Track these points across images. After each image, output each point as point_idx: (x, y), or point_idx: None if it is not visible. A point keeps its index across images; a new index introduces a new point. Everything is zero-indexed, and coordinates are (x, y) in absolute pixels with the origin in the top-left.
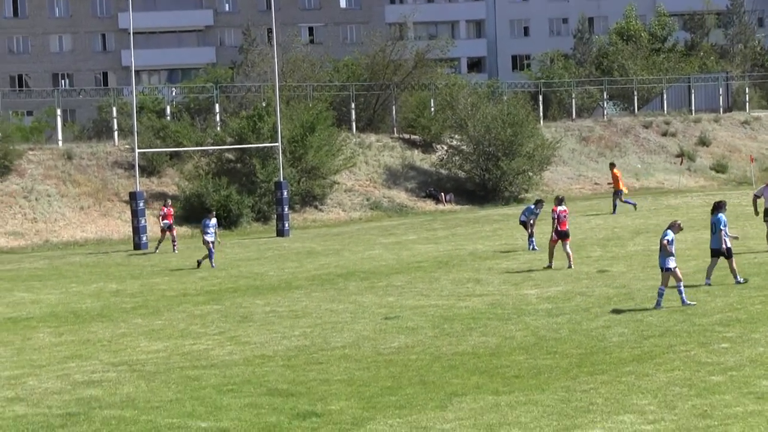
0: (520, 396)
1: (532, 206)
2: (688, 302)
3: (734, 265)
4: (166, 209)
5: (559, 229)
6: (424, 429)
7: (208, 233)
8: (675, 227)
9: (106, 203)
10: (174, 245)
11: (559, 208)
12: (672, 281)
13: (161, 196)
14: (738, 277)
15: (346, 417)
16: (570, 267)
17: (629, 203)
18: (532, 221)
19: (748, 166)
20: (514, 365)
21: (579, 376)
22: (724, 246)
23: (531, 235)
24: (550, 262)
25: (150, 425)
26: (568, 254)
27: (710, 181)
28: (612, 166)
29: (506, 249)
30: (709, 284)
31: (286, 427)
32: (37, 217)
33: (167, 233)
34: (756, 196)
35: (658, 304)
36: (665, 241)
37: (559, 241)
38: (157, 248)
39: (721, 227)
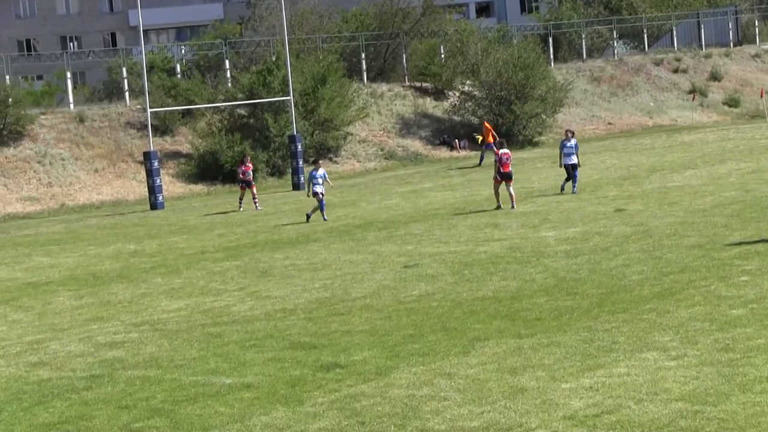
0: (543, 338)
1: (564, 141)
2: None
3: None
4: (243, 166)
5: (502, 170)
6: (447, 375)
7: (318, 184)
8: None
9: (120, 164)
10: (255, 202)
11: (502, 151)
12: None
13: (175, 155)
14: None
15: (370, 367)
16: (513, 207)
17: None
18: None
19: (761, 100)
20: (535, 308)
21: (600, 316)
22: None
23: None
24: (498, 202)
25: (174, 384)
26: (511, 195)
27: (723, 116)
28: (482, 119)
29: (522, 192)
30: None
31: (311, 380)
32: (52, 181)
33: (246, 189)
34: None
35: None
36: None
37: (503, 182)
38: (240, 206)
39: None
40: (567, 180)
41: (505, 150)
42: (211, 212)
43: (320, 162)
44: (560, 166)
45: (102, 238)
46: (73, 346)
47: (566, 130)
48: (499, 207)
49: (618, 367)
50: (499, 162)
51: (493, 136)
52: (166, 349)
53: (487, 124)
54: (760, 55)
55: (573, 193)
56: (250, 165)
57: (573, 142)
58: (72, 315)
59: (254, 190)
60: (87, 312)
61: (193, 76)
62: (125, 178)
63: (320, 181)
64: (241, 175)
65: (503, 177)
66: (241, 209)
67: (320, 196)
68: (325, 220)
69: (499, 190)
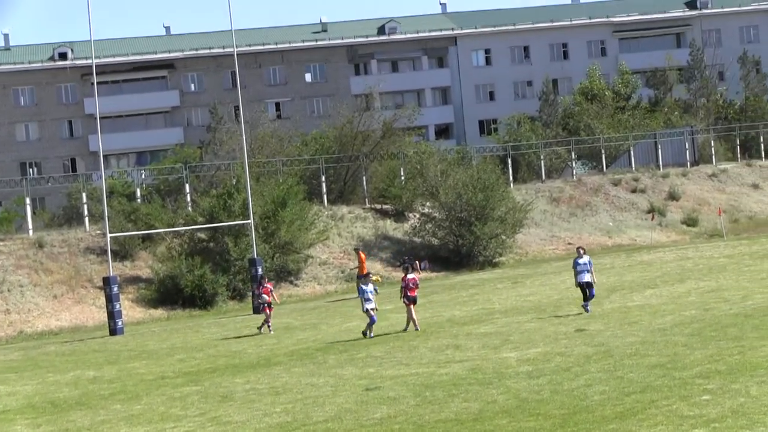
0: None
1: (577, 258)
2: None
3: None
4: (262, 287)
5: (408, 294)
6: None
7: (369, 300)
8: None
9: (79, 290)
10: (269, 325)
11: (409, 276)
12: None
13: (135, 280)
14: None
15: None
16: (416, 329)
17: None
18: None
19: (718, 219)
20: (497, 429)
21: None
22: None
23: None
24: (407, 324)
25: None
26: (413, 319)
27: (682, 235)
28: (356, 250)
29: (483, 313)
30: None
31: None
32: (10, 308)
33: (267, 311)
34: None
35: None
36: None
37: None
38: (260, 328)
39: None
40: (586, 299)
41: (412, 275)
42: (229, 336)
43: (371, 275)
44: (576, 285)
45: (60, 365)
46: None
47: (578, 248)
48: (406, 329)
49: None
50: (406, 287)
51: (364, 267)
52: None
53: (361, 255)
54: (716, 174)
55: (586, 312)
56: (269, 285)
57: (586, 258)
58: None
59: (270, 312)
60: None
61: (154, 200)
62: (84, 303)
63: (371, 296)
64: (264, 296)
65: (410, 300)
66: (272, 332)
67: (371, 312)
68: (371, 337)
69: (412, 313)
